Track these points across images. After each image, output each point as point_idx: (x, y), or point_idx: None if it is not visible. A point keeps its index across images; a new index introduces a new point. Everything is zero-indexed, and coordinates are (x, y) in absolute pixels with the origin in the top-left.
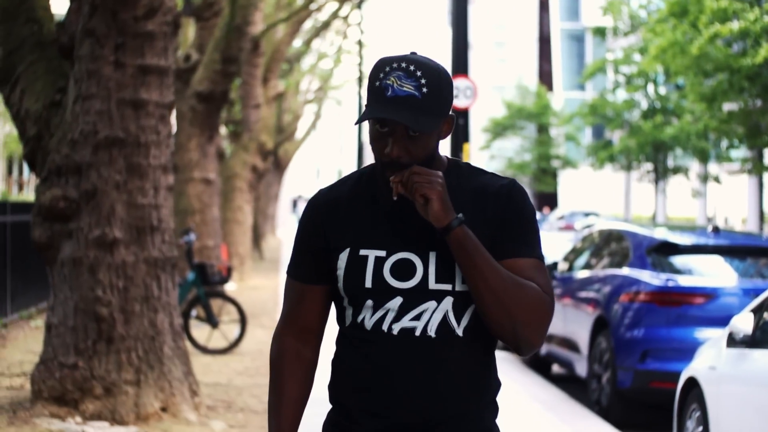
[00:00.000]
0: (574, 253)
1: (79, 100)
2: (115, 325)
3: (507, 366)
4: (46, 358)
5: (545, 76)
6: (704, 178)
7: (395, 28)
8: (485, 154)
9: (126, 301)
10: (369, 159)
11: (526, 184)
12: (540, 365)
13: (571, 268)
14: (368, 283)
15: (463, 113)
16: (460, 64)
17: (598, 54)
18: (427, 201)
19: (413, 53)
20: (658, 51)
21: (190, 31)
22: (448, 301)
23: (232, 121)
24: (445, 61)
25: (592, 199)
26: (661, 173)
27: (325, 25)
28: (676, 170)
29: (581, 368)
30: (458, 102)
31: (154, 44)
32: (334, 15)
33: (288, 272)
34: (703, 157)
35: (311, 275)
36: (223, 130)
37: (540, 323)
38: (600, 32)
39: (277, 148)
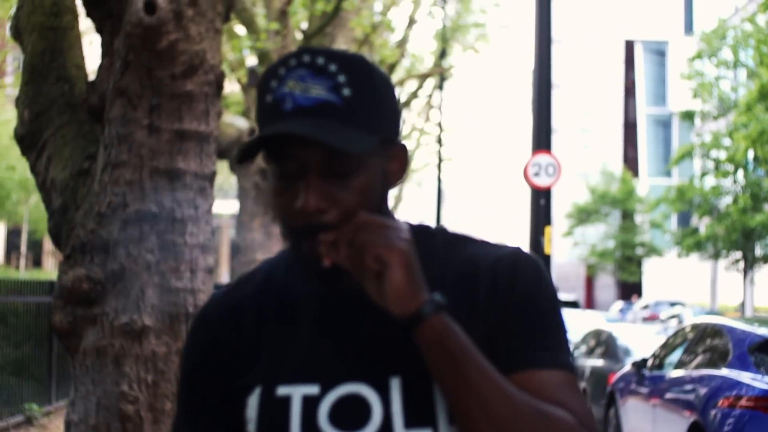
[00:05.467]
0: (664, 349)
1: (107, 168)
2: (142, 425)
3: None
4: None
5: (630, 162)
6: None
7: (476, 111)
8: (568, 240)
9: (155, 398)
10: None
11: (610, 272)
12: None
13: (661, 366)
14: None
15: (545, 193)
16: (542, 140)
17: (685, 139)
18: (383, 270)
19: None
20: (747, 141)
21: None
22: None
23: None
24: (527, 140)
25: (678, 288)
26: (750, 262)
27: (405, 104)
28: (766, 259)
29: None
30: (539, 180)
31: (194, 107)
32: (414, 94)
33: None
34: None
35: None
36: None
37: None
38: (688, 116)
39: None
